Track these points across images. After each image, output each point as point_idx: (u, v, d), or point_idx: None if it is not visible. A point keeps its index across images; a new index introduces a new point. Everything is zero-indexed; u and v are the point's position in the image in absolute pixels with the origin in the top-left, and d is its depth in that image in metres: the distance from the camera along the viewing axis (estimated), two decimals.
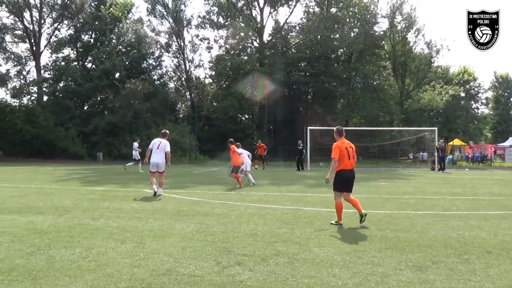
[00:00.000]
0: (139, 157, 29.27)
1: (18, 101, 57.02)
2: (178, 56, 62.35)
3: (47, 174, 26.72)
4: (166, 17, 60.48)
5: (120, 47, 58.09)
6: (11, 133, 50.20)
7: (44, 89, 57.84)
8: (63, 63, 58.89)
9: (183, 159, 49.04)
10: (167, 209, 12.04)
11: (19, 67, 58.92)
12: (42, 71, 57.93)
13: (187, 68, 62.60)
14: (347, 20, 55.50)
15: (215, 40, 68.44)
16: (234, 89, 52.85)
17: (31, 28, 56.74)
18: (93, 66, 60.75)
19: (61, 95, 58.11)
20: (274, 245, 7.69)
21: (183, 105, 66.75)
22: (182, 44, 61.36)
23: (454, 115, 74.13)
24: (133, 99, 54.21)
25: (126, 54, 57.71)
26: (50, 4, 57.42)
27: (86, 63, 62.38)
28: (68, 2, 56.22)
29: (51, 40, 60.04)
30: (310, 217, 10.76)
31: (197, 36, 61.22)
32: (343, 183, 9.94)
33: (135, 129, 49.39)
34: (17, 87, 56.37)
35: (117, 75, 57.54)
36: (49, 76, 58.95)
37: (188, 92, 63.83)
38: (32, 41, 56.86)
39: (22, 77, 58.81)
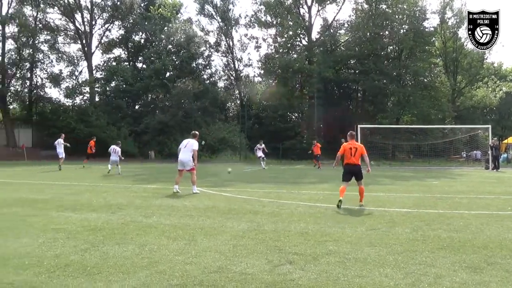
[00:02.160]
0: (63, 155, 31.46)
1: (71, 101, 58.46)
2: (227, 55, 62.99)
3: (100, 172, 27.25)
4: (215, 16, 61.18)
5: (170, 46, 58.64)
6: (64, 133, 51.09)
7: (96, 89, 58.93)
8: (114, 63, 60.19)
9: (234, 157, 49.31)
10: (218, 207, 12.11)
11: (71, 68, 60.41)
12: (94, 71, 59.14)
13: (236, 67, 63.17)
14: (396, 16, 54.68)
15: (263, 38, 68.59)
16: (283, 87, 52.70)
17: (83, 29, 58.08)
18: (144, 66, 61.57)
19: (112, 94, 59.32)
20: (325, 244, 7.66)
21: (232, 104, 67.03)
22: (231, 43, 62.03)
23: (509, 112, 72.26)
24: (183, 98, 54.77)
25: (176, 53, 58.23)
26: (101, 5, 58.71)
27: (136, 63, 63.41)
28: (118, 3, 57.21)
29: (102, 41, 61.50)
30: (362, 216, 10.67)
31: (246, 35, 61.97)
32: (346, 174, 12.75)
33: (186, 128, 49.70)
34: (70, 87, 57.66)
35: (167, 74, 57.98)
36: (101, 76, 60.11)
37: (238, 91, 64.13)
38: (84, 42, 58.15)
39: (74, 77, 60.21)
